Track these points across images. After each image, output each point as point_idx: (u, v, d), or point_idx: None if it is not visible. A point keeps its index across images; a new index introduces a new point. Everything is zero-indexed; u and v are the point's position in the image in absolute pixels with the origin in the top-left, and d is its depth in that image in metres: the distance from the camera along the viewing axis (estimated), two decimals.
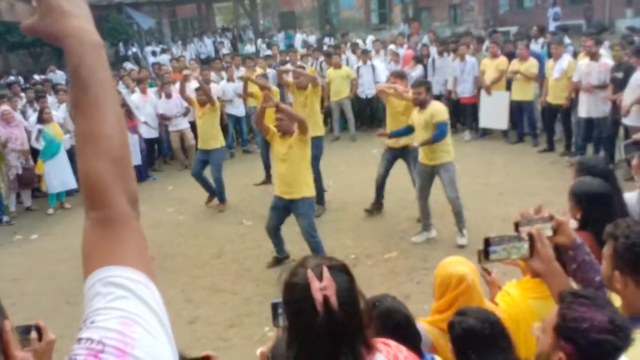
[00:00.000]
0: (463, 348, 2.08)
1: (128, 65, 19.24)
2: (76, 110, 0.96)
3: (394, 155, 7.32)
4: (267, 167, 9.14)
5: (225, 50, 22.99)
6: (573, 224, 2.29)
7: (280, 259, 6.34)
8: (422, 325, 2.53)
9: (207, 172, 8.36)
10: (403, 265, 6.16)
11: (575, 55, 9.65)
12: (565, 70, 8.91)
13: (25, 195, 9.39)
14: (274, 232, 6.23)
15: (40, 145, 8.99)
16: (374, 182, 7.54)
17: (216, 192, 8.43)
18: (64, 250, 7.29)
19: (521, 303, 2.62)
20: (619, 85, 7.84)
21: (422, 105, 6.31)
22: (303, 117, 5.93)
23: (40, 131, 8.96)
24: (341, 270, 1.67)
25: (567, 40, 10.99)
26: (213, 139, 8.17)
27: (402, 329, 2.26)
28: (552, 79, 9.09)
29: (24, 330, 2.21)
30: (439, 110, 6.29)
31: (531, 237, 2.03)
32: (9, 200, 9.12)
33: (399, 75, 7.32)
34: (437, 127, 6.22)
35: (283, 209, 6.09)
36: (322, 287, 1.57)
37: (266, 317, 2.24)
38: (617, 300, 2.13)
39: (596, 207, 2.84)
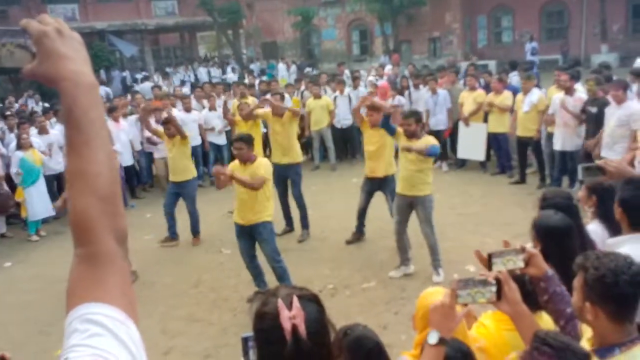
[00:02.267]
0: None
1: None
2: (68, 148, 0.99)
3: (372, 186, 7.36)
4: None
5: (231, 78, 22.83)
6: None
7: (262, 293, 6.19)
8: (405, 358, 2.53)
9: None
10: (381, 295, 6.15)
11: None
12: (535, 104, 9.13)
13: (0, 222, 9.26)
14: (250, 261, 6.21)
15: (17, 179, 8.93)
16: (356, 213, 7.58)
17: (190, 226, 8.29)
18: (38, 278, 7.15)
19: (496, 334, 2.63)
20: (593, 120, 8.00)
21: (412, 136, 6.25)
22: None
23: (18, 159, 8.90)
24: (311, 300, 1.69)
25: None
26: (184, 170, 8.05)
27: (374, 357, 2.27)
28: (522, 112, 9.31)
29: None
30: (429, 140, 6.29)
31: (498, 281, 2.05)
32: None
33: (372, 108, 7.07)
34: (430, 147, 6.14)
35: (247, 235, 6.12)
36: (291, 316, 1.59)
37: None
38: (588, 332, 2.16)
39: (554, 241, 2.84)
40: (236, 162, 6.18)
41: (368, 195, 7.45)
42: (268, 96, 10.31)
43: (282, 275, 6.03)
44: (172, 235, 8.30)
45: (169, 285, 6.92)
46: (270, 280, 6.23)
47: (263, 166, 6.03)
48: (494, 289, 2.04)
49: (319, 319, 1.66)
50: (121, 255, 0.97)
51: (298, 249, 7.62)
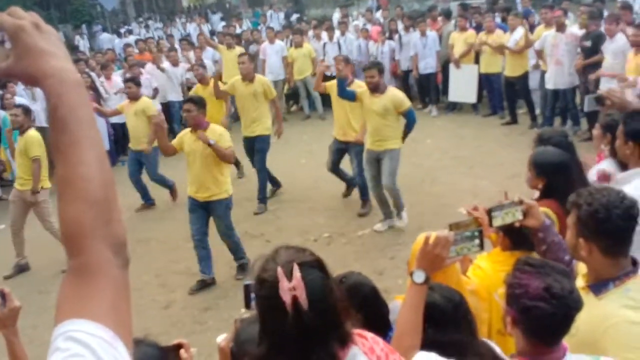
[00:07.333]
0: (422, 321, 2.08)
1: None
2: (55, 151, 0.92)
3: (339, 146, 7.03)
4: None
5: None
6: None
7: (205, 282, 5.69)
8: (399, 302, 2.54)
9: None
10: (376, 241, 6.20)
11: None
12: (518, 41, 9.04)
13: None
14: (200, 239, 5.72)
15: None
16: (331, 172, 7.24)
17: (168, 187, 8.03)
18: (33, 240, 7.13)
19: (493, 276, 2.64)
20: (588, 54, 7.96)
21: (375, 89, 5.96)
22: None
23: None
24: (314, 267, 1.60)
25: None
26: (146, 138, 7.49)
27: (370, 301, 2.29)
28: (507, 51, 9.26)
29: None
30: (401, 98, 6.05)
31: (480, 232, 2.16)
32: None
33: (345, 60, 6.79)
34: (407, 116, 6.05)
35: (201, 210, 5.68)
36: (291, 288, 1.51)
37: (241, 299, 2.19)
38: (583, 269, 2.18)
39: (559, 176, 2.89)
40: (186, 131, 5.60)
41: (337, 152, 7.07)
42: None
43: (235, 247, 5.80)
44: (148, 202, 8.07)
45: (163, 241, 6.94)
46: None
47: (222, 136, 5.44)
48: (477, 241, 2.15)
49: (323, 287, 1.57)
50: (117, 265, 0.90)
51: (292, 200, 7.63)
